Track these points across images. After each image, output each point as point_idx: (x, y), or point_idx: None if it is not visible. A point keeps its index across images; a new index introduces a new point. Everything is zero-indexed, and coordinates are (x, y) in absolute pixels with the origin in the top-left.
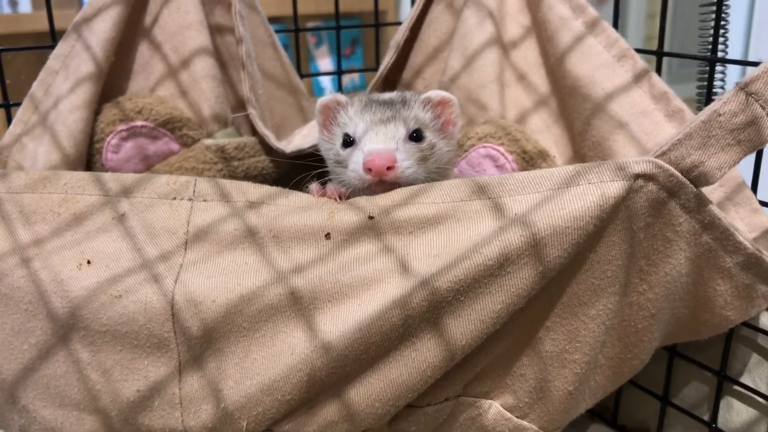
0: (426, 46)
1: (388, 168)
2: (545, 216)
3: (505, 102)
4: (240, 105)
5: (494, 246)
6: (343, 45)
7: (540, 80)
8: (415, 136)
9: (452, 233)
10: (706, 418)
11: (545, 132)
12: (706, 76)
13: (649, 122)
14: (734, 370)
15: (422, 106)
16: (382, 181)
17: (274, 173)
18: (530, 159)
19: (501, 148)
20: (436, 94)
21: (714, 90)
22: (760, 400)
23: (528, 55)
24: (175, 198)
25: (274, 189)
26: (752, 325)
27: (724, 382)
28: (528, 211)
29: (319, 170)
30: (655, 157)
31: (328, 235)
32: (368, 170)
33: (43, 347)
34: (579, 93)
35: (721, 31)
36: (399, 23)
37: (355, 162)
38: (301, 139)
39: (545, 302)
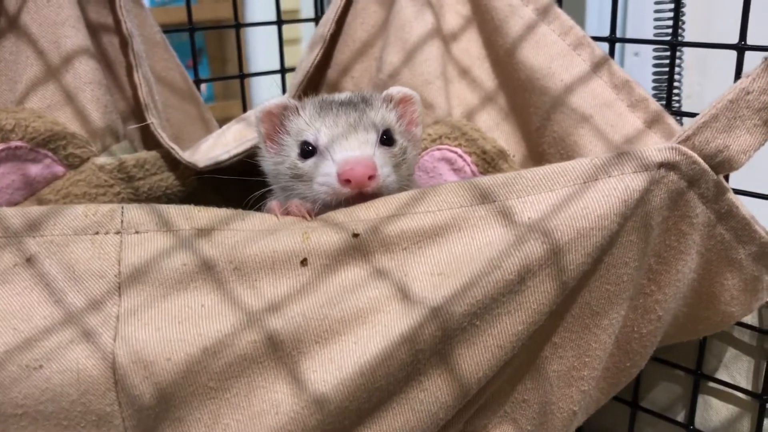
0: (353, 40)
1: (370, 177)
2: (566, 218)
3: (450, 99)
4: (129, 115)
5: (514, 258)
6: (188, 55)
7: (485, 75)
8: (386, 139)
9: (456, 246)
10: (680, 419)
11: (495, 130)
12: (663, 60)
13: (613, 113)
14: (709, 366)
15: (385, 106)
16: (361, 194)
17: (180, 192)
18: (491, 160)
19: (458, 150)
20: (397, 90)
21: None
22: (741, 395)
23: (470, 48)
24: (97, 232)
25: (225, 211)
26: None
27: (700, 380)
28: (545, 213)
29: (265, 189)
30: (679, 142)
31: (304, 261)
32: (346, 182)
33: None
34: (535, 86)
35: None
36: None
37: (326, 174)
38: (209, 149)
39: (554, 317)
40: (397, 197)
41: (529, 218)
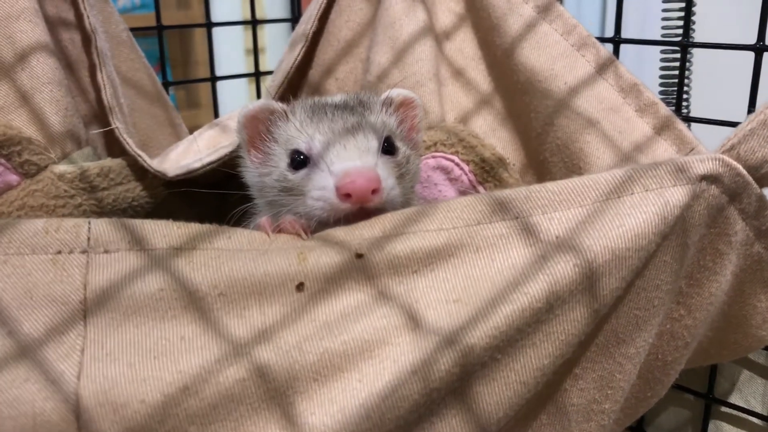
0: (337, 39)
1: (373, 191)
2: (599, 237)
3: (443, 103)
4: (92, 119)
5: (541, 282)
6: (153, 61)
7: (480, 76)
8: (387, 147)
9: (474, 269)
10: None
11: (491, 136)
12: (670, 63)
13: (620, 119)
14: (721, 389)
15: (385, 110)
16: (362, 210)
17: (148, 204)
18: (490, 168)
19: (455, 158)
20: (397, 93)
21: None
22: (756, 420)
23: (464, 48)
24: (60, 251)
25: (207, 228)
26: None
27: (712, 404)
28: (575, 232)
29: (248, 204)
30: (722, 152)
31: (300, 286)
32: (345, 196)
33: None
34: (537, 89)
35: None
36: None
37: (321, 187)
38: (179, 157)
39: (578, 346)
40: (405, 213)
41: (556, 237)
